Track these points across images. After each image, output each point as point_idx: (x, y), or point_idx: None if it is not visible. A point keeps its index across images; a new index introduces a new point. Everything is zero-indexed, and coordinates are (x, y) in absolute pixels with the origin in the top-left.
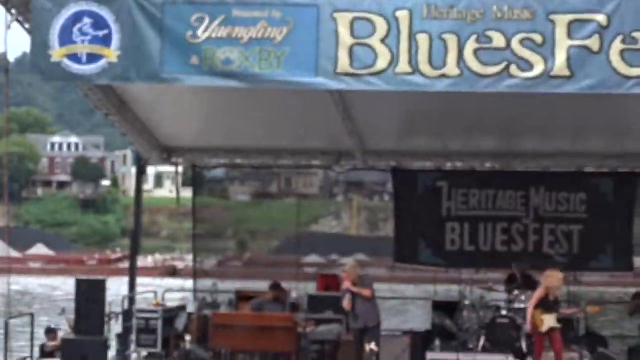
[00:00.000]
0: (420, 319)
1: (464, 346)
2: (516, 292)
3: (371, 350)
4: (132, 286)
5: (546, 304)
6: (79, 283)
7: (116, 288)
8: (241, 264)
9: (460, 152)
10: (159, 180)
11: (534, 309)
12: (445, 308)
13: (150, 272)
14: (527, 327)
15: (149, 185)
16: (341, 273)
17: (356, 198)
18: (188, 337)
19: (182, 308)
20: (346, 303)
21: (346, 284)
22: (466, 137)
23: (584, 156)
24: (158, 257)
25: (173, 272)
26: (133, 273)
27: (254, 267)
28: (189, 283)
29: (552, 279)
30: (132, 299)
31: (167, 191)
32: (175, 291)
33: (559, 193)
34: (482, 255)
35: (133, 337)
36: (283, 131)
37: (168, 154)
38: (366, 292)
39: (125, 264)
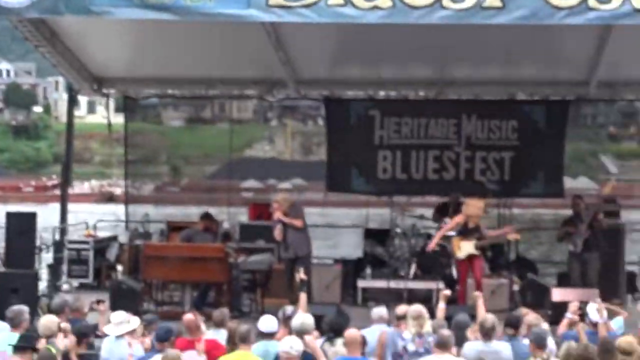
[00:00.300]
0: (351, 246)
1: (394, 273)
2: (447, 220)
3: (301, 280)
4: (63, 217)
5: (465, 231)
6: (9, 216)
7: (52, 215)
8: (178, 189)
9: (392, 80)
10: (91, 106)
11: (455, 235)
12: (376, 236)
13: (87, 198)
14: (430, 246)
15: (81, 111)
16: (273, 203)
17: (290, 123)
18: (120, 268)
19: (114, 238)
20: (277, 233)
21: (277, 215)
22: (399, 65)
23: (516, 84)
24: (94, 183)
25: (110, 198)
26: (64, 203)
27: (191, 193)
28: (146, 208)
29: (471, 207)
30: (63, 230)
31: (99, 117)
32: (107, 221)
33: (491, 120)
34: (414, 183)
35: (64, 268)
36: (215, 60)
37: (99, 84)
38: (297, 223)
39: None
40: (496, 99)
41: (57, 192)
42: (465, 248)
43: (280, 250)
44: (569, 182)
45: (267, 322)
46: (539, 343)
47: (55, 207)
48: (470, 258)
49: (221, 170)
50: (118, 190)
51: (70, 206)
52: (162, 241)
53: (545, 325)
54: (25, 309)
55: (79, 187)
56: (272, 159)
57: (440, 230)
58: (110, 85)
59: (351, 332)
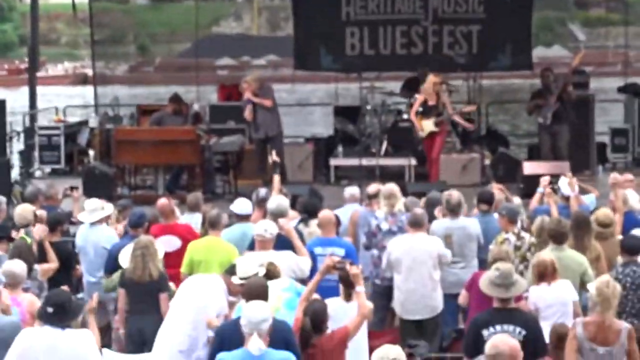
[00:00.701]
0: (322, 124)
1: (366, 151)
2: (416, 96)
3: (274, 162)
4: (32, 102)
5: (425, 110)
6: None
7: (23, 99)
8: (152, 69)
9: None
10: None
11: (418, 114)
12: (346, 113)
13: (60, 80)
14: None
15: None
16: (242, 83)
17: None
18: (91, 152)
19: (84, 123)
20: (247, 113)
21: (247, 95)
22: None
23: None
24: (67, 64)
25: (84, 80)
26: (33, 87)
27: (164, 72)
28: (98, 90)
29: (426, 84)
30: (32, 116)
31: None
32: (77, 106)
33: None
34: (383, 59)
35: (36, 154)
36: None
37: None
38: (267, 102)
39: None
40: None
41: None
42: (427, 126)
43: (251, 130)
44: (542, 52)
45: (241, 205)
46: (512, 218)
47: (26, 90)
48: (432, 135)
49: (192, 49)
50: (91, 72)
51: (43, 89)
52: (132, 125)
53: (517, 200)
54: (2, 199)
55: (52, 69)
56: (242, 35)
57: (411, 115)
58: None
59: (325, 213)
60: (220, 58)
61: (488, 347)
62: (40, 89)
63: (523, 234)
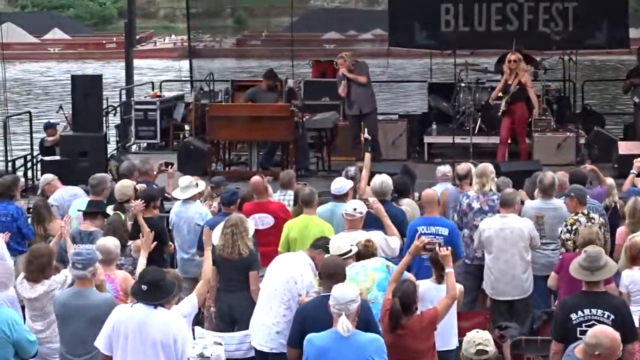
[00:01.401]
0: (416, 101)
1: (460, 129)
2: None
3: (365, 139)
4: (129, 76)
5: (505, 89)
6: (74, 79)
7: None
8: (259, 42)
9: None
10: None
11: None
12: (440, 90)
13: (170, 53)
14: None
15: None
16: (337, 59)
17: None
18: (187, 127)
19: (180, 98)
20: (341, 89)
21: (342, 70)
22: None
23: None
24: (175, 37)
25: (193, 53)
26: (130, 61)
27: (273, 45)
28: (213, 64)
29: (506, 64)
30: (129, 91)
31: None
32: (173, 80)
33: None
34: (477, 36)
35: (132, 129)
36: None
37: None
38: (361, 79)
39: (146, 45)
40: None
41: (140, 47)
42: (502, 105)
43: (345, 107)
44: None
45: (338, 184)
46: (581, 199)
47: (141, 62)
48: (509, 114)
49: (299, 22)
50: (200, 45)
51: (152, 62)
52: (227, 100)
53: (610, 180)
54: (107, 177)
55: (161, 43)
56: (347, 9)
57: (493, 93)
58: None
59: (428, 192)
60: (327, 32)
61: (588, 336)
62: (148, 62)
63: (593, 214)
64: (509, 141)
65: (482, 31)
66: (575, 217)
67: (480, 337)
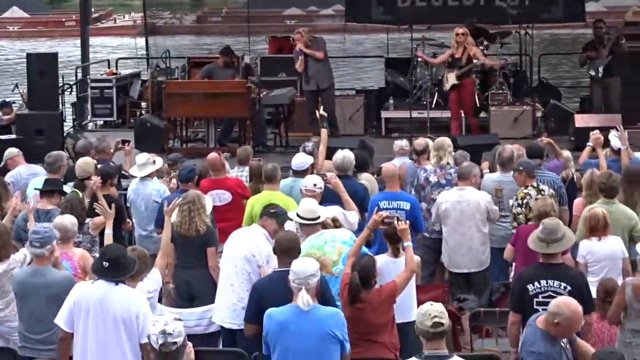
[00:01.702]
0: (373, 76)
1: (417, 103)
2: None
3: (321, 115)
4: (85, 54)
5: (451, 63)
6: (30, 57)
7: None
8: (220, 19)
9: None
10: None
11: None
12: (397, 65)
13: (128, 31)
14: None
15: None
16: (294, 34)
17: None
18: (143, 105)
19: (136, 75)
20: (298, 64)
21: (299, 45)
22: None
23: None
24: (134, 15)
25: (152, 30)
26: (85, 39)
27: (233, 22)
28: (170, 41)
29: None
30: (85, 69)
31: None
32: (129, 58)
33: None
34: (434, 11)
35: (88, 107)
36: None
37: None
38: (319, 54)
39: (106, 23)
40: None
41: (100, 24)
42: (450, 79)
43: (302, 82)
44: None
45: (298, 159)
46: (530, 172)
47: (99, 40)
48: (457, 88)
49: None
50: (160, 22)
51: (111, 40)
52: (183, 77)
53: (567, 153)
54: (64, 154)
55: (121, 20)
56: None
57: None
58: None
59: (389, 167)
60: (288, 8)
61: (551, 305)
62: (107, 40)
63: (542, 186)
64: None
65: (438, 6)
66: (525, 191)
67: (435, 310)
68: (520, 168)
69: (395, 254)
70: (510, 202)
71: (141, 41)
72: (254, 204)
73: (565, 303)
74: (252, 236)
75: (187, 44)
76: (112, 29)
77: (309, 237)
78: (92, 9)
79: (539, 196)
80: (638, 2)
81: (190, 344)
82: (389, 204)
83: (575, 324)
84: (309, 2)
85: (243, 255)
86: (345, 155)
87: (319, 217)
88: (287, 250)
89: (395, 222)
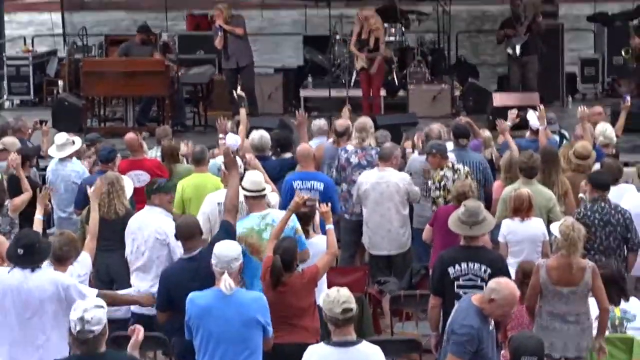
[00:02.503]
0: (292, 54)
1: (336, 82)
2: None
3: (239, 95)
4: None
5: (360, 43)
6: None
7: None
8: None
9: None
10: None
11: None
12: (316, 43)
13: (51, 6)
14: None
15: None
16: (214, 10)
17: None
18: (60, 83)
19: (53, 53)
20: (218, 41)
21: (218, 22)
22: None
23: None
24: None
25: (81, 6)
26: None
27: None
28: (100, 15)
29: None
30: (0, 46)
31: None
32: (45, 35)
33: None
34: None
35: (4, 85)
36: None
37: None
38: (238, 30)
39: None
40: None
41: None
42: (360, 61)
43: (222, 60)
44: None
45: (229, 140)
46: (443, 154)
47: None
48: (366, 70)
49: None
50: None
51: (37, 16)
52: (100, 55)
53: (486, 132)
54: None
55: None
56: None
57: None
58: None
59: (303, 147)
60: None
61: (491, 282)
62: (32, 16)
63: (457, 166)
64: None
65: None
66: (442, 173)
67: (343, 295)
68: (434, 151)
69: (306, 236)
70: (430, 187)
71: (58, 17)
72: (185, 187)
73: (506, 282)
74: (152, 218)
75: (103, 20)
76: (37, 4)
77: (251, 214)
78: None
79: (455, 176)
80: None
81: (139, 327)
82: (302, 184)
83: (509, 305)
84: None
85: (152, 238)
86: (262, 134)
87: (264, 190)
88: (188, 235)
89: (317, 205)
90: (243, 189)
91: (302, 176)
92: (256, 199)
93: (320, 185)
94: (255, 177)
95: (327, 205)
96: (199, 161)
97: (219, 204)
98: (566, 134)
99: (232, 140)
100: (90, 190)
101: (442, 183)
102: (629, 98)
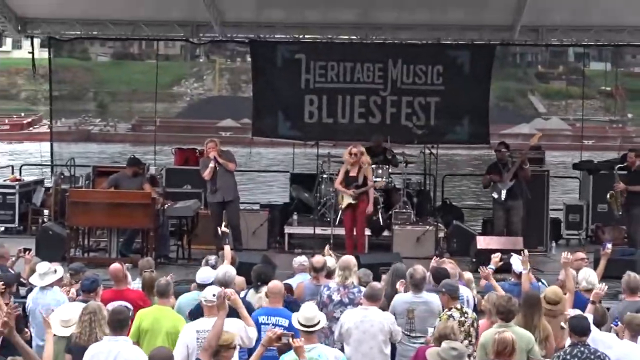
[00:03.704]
0: (279, 191)
1: (321, 220)
2: (373, 166)
3: (223, 232)
4: None
5: (347, 181)
6: None
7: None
8: (153, 128)
9: (318, 23)
10: (16, 41)
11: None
12: (303, 181)
13: (64, 136)
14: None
15: (6, 46)
16: (208, 143)
17: (218, 60)
18: (46, 212)
19: (40, 182)
20: (208, 172)
21: (213, 153)
22: (325, 8)
23: (442, 28)
24: (65, 121)
25: (87, 137)
26: None
27: (168, 132)
28: (105, 148)
29: (345, 155)
30: None
31: (25, 52)
32: (34, 164)
33: (417, 65)
34: (340, 128)
35: None
36: (139, 2)
37: (23, 25)
38: (231, 165)
39: (39, 128)
40: (422, 42)
41: (34, 129)
42: (346, 198)
43: (208, 194)
44: (541, 124)
45: (203, 274)
46: (453, 294)
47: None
48: (352, 207)
49: (190, 109)
50: (95, 130)
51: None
52: (88, 186)
53: (468, 275)
54: None
55: (54, 125)
56: (239, 97)
57: (335, 184)
58: (34, 26)
59: (274, 283)
60: (223, 119)
61: None
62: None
63: (466, 309)
64: (370, 233)
65: (345, 123)
66: (449, 313)
67: None
68: (443, 290)
69: None
70: (430, 329)
71: (46, 147)
72: (143, 318)
73: None
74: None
75: (94, 151)
76: (46, 134)
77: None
78: (23, 114)
79: (463, 319)
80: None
81: None
82: (267, 319)
83: None
84: (239, 113)
85: None
86: (226, 270)
87: (318, 323)
88: None
89: (290, 340)
90: (298, 322)
91: (268, 312)
92: (307, 334)
93: (284, 322)
94: (309, 313)
95: (300, 339)
96: (162, 294)
97: (197, 331)
98: (545, 283)
99: (205, 274)
100: (45, 317)
101: (449, 322)
102: (609, 245)
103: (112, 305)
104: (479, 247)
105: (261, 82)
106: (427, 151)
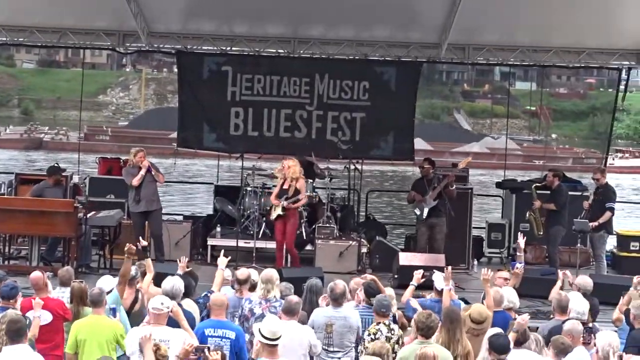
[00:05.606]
0: (203, 203)
1: (244, 232)
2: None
3: (143, 247)
4: None
5: (280, 193)
6: None
7: None
8: (107, 137)
9: (246, 36)
10: None
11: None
12: (227, 193)
13: (15, 144)
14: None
15: None
16: (138, 152)
17: (144, 70)
18: None
19: None
20: (136, 180)
21: (146, 163)
22: (253, 21)
23: (369, 44)
24: (19, 128)
25: (39, 145)
26: None
27: (120, 142)
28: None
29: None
30: None
31: None
32: None
33: (343, 81)
34: (266, 141)
35: None
36: (67, 9)
37: None
38: (161, 177)
39: None
40: (349, 58)
41: None
42: (277, 210)
43: (130, 204)
44: (490, 143)
45: (102, 282)
46: (383, 312)
47: None
48: (283, 219)
49: (143, 119)
50: (46, 137)
51: None
52: (10, 193)
53: (389, 290)
54: None
55: (4, 134)
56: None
57: (272, 197)
58: None
59: (217, 296)
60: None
61: None
62: None
63: (393, 325)
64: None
65: (270, 136)
66: (377, 327)
67: None
68: (378, 308)
69: None
70: (349, 337)
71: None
72: (79, 329)
73: None
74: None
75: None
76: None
77: None
78: None
79: (389, 335)
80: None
81: None
82: (214, 332)
83: None
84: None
85: None
86: (174, 283)
87: (280, 337)
88: None
89: (207, 352)
90: (262, 336)
91: (213, 324)
92: (270, 347)
93: (231, 334)
94: (273, 327)
95: (217, 353)
96: (95, 303)
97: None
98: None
99: (105, 282)
100: None
101: (377, 336)
102: (518, 265)
103: (30, 314)
104: (401, 263)
105: (187, 93)
106: (352, 166)
